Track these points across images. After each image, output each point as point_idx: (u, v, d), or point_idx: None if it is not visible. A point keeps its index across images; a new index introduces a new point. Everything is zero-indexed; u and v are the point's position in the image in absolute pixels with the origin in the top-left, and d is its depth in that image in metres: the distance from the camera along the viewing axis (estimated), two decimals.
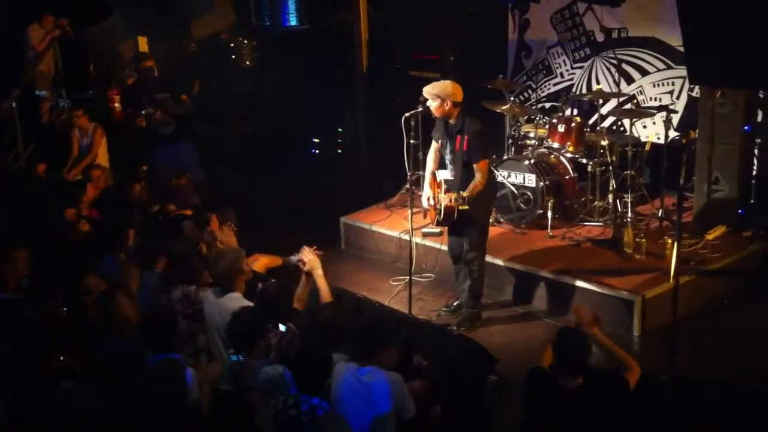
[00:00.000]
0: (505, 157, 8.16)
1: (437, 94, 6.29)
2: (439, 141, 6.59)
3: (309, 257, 5.52)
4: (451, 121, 6.39)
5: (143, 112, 9.60)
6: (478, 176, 6.29)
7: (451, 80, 6.48)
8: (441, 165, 6.64)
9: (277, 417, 3.96)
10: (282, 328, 4.97)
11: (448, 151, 6.52)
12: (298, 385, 4.42)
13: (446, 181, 6.52)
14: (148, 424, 4.26)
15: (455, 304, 6.97)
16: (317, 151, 11.28)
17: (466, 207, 6.17)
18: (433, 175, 6.58)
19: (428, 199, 6.54)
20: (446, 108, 6.31)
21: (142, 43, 11.22)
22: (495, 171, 7.57)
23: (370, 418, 4.36)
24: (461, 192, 6.20)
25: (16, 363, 4.55)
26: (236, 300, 5.34)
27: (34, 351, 4.65)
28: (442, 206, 6.29)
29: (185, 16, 10.63)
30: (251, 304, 5.28)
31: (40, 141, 9.47)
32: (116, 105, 10.44)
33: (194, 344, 5.47)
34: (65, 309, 5.47)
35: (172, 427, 4.38)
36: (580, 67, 9.08)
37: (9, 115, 9.19)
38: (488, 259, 6.88)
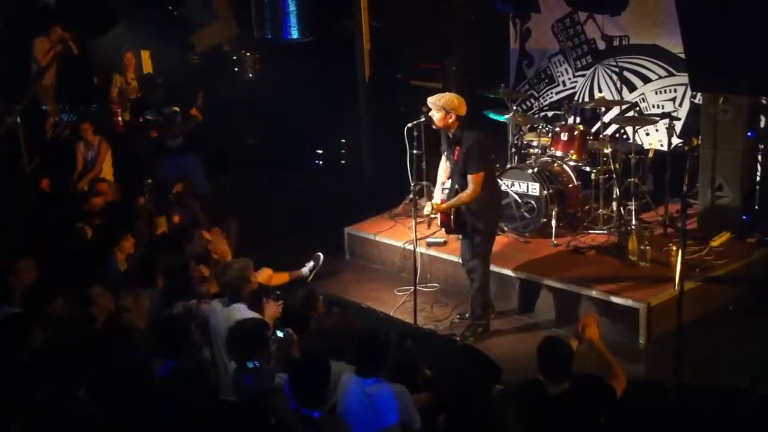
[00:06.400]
0: (509, 166, 8.16)
1: (443, 106, 6.29)
2: (445, 152, 6.63)
3: None
4: (451, 133, 6.42)
5: (148, 118, 9.60)
6: (470, 187, 6.27)
7: (456, 93, 6.49)
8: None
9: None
10: (280, 333, 4.97)
11: (451, 162, 6.53)
12: (297, 393, 4.42)
13: (443, 191, 6.58)
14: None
15: (468, 313, 6.91)
16: (320, 162, 11.31)
17: (436, 216, 6.55)
18: (443, 185, 6.63)
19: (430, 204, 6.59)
20: (449, 121, 6.32)
21: (146, 56, 11.26)
22: (498, 180, 7.56)
23: (375, 430, 4.36)
24: (434, 203, 6.46)
25: (28, 374, 4.56)
26: (242, 311, 5.35)
27: (45, 362, 4.66)
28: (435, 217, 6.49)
29: (188, 29, 10.68)
30: (257, 315, 5.30)
31: (45, 155, 9.50)
32: (119, 118, 10.49)
33: (199, 356, 5.47)
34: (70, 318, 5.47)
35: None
36: (582, 75, 9.10)
37: (14, 130, 9.23)
38: (493, 268, 6.87)
